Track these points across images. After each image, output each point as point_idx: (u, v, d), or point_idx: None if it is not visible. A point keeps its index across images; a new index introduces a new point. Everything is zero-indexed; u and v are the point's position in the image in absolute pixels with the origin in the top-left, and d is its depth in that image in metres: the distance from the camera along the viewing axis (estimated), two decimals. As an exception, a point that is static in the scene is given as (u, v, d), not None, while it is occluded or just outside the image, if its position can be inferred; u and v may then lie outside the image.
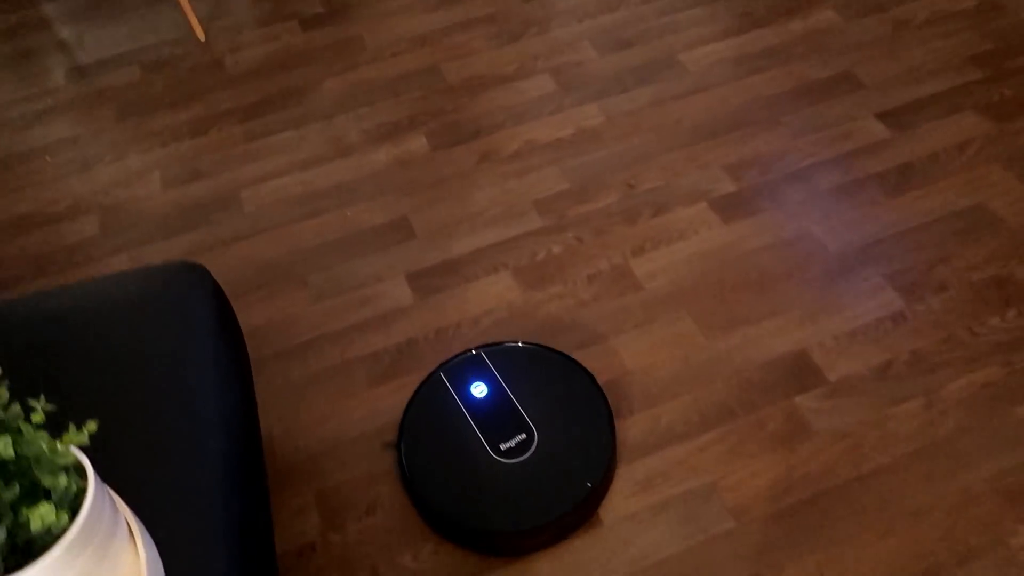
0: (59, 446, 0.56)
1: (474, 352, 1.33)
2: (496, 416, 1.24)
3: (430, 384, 1.30)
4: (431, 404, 1.28)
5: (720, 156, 1.67)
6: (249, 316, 1.50)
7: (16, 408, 0.56)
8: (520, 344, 1.34)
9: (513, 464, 1.18)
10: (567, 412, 1.24)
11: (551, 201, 1.63)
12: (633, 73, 1.88)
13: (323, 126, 1.86)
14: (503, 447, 1.20)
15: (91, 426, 0.58)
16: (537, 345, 1.35)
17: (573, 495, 1.15)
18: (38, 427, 0.56)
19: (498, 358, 1.32)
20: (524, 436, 1.21)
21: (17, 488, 0.52)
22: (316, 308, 1.50)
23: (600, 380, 1.29)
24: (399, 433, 1.26)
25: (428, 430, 1.25)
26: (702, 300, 1.44)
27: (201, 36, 2.12)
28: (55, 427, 0.59)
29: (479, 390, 1.28)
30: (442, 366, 1.33)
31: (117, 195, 1.76)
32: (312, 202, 1.69)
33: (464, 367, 1.31)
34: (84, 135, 1.91)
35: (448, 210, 1.64)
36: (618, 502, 1.19)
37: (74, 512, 0.54)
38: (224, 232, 1.66)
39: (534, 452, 1.19)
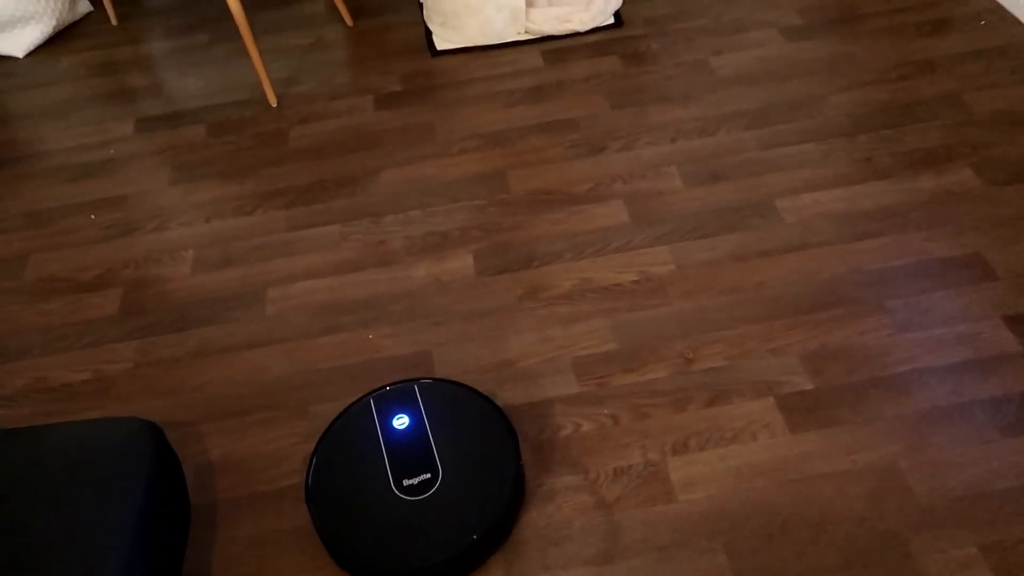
0: None
1: (409, 384, 1.35)
2: (409, 451, 1.26)
3: (358, 407, 1.33)
4: (354, 428, 1.31)
5: (801, 340, 1.41)
6: (239, 444, 1.37)
7: None
8: (457, 383, 1.35)
9: (411, 501, 1.20)
10: (477, 460, 1.24)
11: (593, 363, 1.42)
12: (718, 215, 1.64)
13: (369, 225, 1.71)
14: (406, 483, 1.22)
15: None
16: (471, 389, 1.34)
17: (456, 544, 1.15)
18: None
19: (430, 394, 1.33)
20: (429, 475, 1.22)
21: None
22: (306, 449, 1.35)
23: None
24: (314, 448, 1.28)
25: (343, 454, 1.28)
26: (744, 533, 1.19)
27: (273, 101, 2.04)
28: None
29: (401, 422, 1.29)
30: (373, 393, 1.34)
31: (147, 271, 1.68)
32: (336, 315, 1.55)
33: (394, 397, 1.33)
34: (134, 196, 1.85)
35: (475, 352, 1.46)
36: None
37: None
38: (239, 335, 1.54)
39: (434, 493, 1.21)
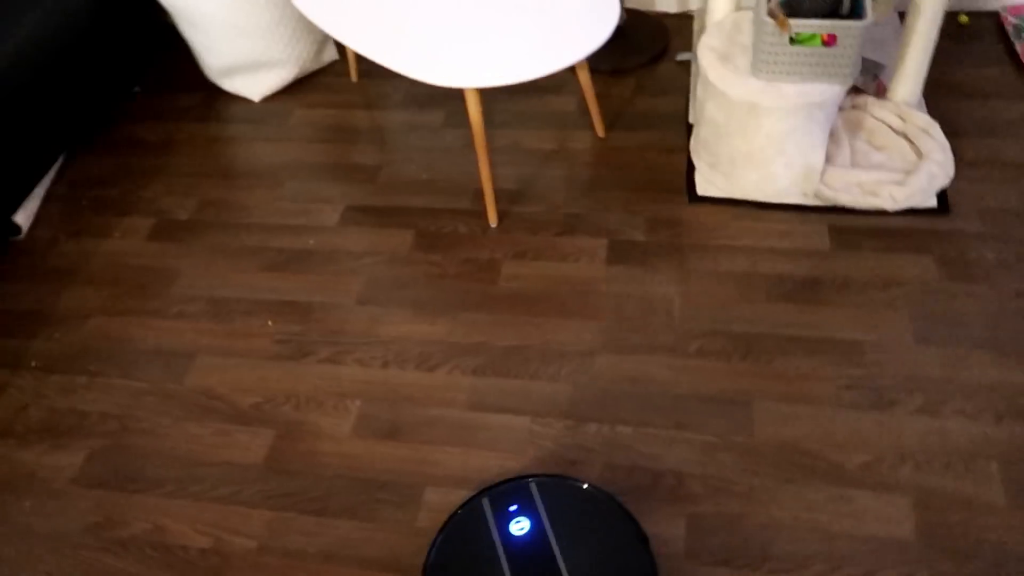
0: None
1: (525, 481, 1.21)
2: (530, 562, 1.10)
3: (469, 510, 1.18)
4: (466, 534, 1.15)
5: None
6: None
7: None
8: (584, 485, 1.19)
9: None
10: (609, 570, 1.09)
11: None
12: (1057, 571, 1.13)
13: (566, 430, 1.37)
14: None
15: None
16: (595, 487, 1.18)
17: None
18: None
19: (548, 493, 1.18)
20: None
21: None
22: None
23: None
24: (425, 561, 1.13)
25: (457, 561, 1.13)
26: None
27: (493, 221, 1.75)
28: None
29: (520, 527, 1.14)
30: (486, 491, 1.19)
31: (306, 415, 1.45)
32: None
33: (508, 497, 1.18)
34: (319, 307, 1.64)
35: None
36: None
37: None
38: (378, 546, 1.26)
39: None
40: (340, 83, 2.21)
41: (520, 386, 1.45)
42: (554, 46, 1.52)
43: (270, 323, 1.62)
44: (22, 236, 1.89)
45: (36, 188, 1.95)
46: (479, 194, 1.83)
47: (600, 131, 1.93)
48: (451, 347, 1.53)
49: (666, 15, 2.24)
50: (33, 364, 1.61)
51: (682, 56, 2.09)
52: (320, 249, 1.76)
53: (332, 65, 2.27)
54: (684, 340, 1.49)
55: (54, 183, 2.02)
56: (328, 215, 1.84)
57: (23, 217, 1.89)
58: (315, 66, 2.24)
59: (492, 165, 1.89)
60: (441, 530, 1.15)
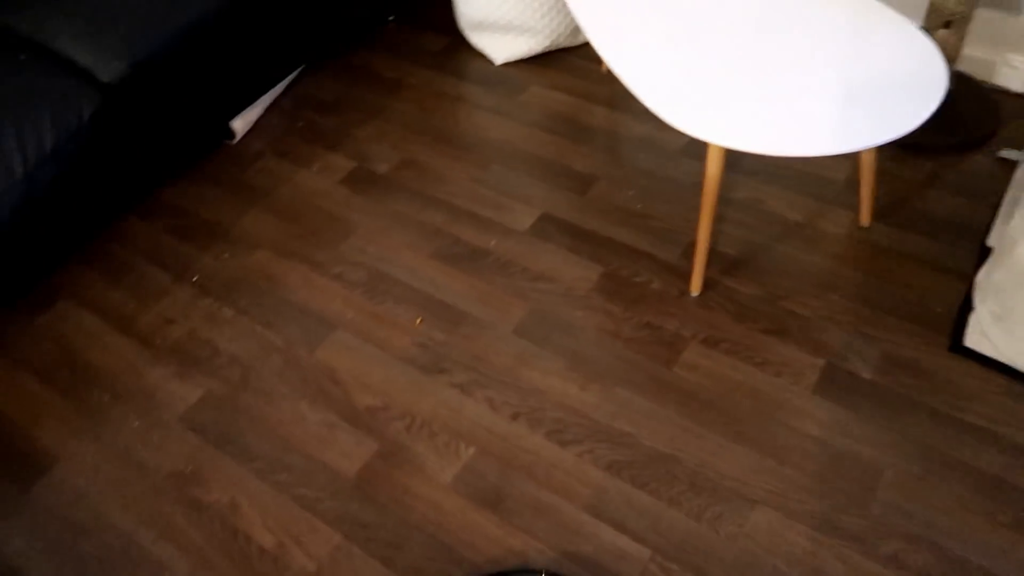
0: None
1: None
2: None
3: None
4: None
5: None
6: None
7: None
8: None
9: None
10: None
11: None
12: None
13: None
14: None
15: None
16: None
17: None
18: None
19: None
20: None
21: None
22: None
23: None
24: None
25: None
26: None
27: (695, 288, 1.47)
28: None
29: None
30: None
31: (415, 440, 1.30)
32: None
33: None
34: (477, 322, 1.47)
35: None
36: None
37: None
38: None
39: None
40: (587, 69, 1.98)
41: (652, 508, 1.20)
42: (850, 121, 1.18)
43: (419, 321, 1.48)
44: (234, 142, 1.89)
45: (264, 96, 1.93)
46: (691, 249, 1.55)
47: (865, 218, 1.56)
48: (593, 425, 1.30)
49: (1005, 93, 1.77)
50: (195, 279, 1.60)
51: (1008, 153, 1.64)
52: (498, 254, 1.58)
53: (584, 47, 2.04)
54: (877, 535, 1.15)
55: (279, 96, 2.00)
56: (521, 217, 1.65)
57: (241, 124, 1.88)
58: (568, 43, 2.02)
59: (717, 220, 1.59)
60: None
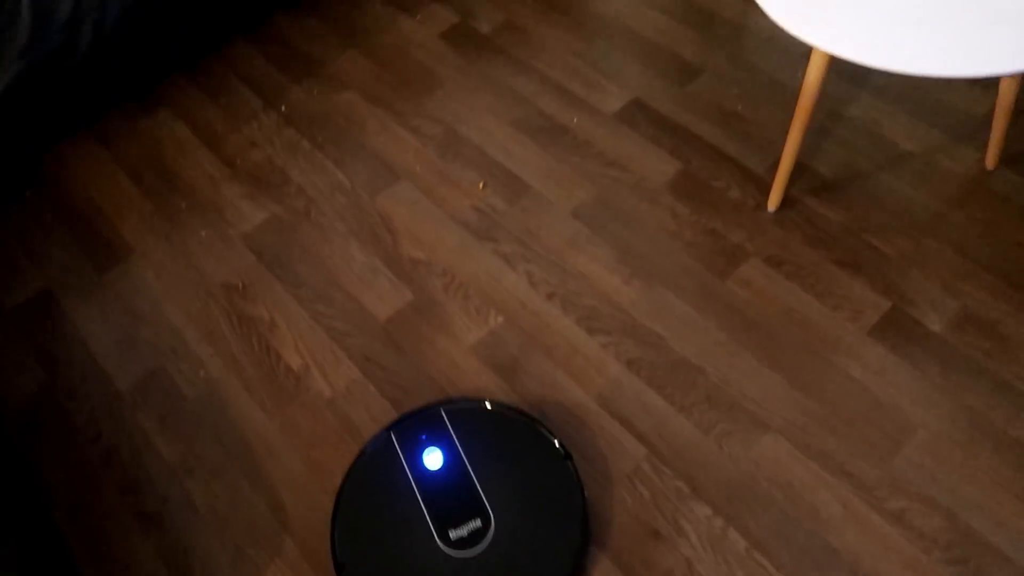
0: None
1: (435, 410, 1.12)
2: (450, 495, 1.04)
3: (377, 446, 1.11)
4: (376, 471, 1.09)
5: None
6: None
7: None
8: (488, 405, 1.13)
9: (463, 558, 0.99)
10: (534, 496, 1.04)
11: None
12: None
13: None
14: (453, 535, 1.01)
15: None
16: (510, 408, 1.13)
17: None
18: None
19: (460, 420, 1.11)
20: (479, 522, 1.02)
21: None
22: None
23: None
24: (334, 508, 1.06)
25: (369, 504, 1.06)
26: None
27: (773, 204, 1.36)
28: None
29: (433, 459, 1.07)
30: (392, 425, 1.12)
31: (449, 298, 1.32)
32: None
33: (417, 428, 1.11)
34: (537, 196, 1.44)
35: None
36: None
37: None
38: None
39: (490, 543, 1.00)
40: None
41: (662, 411, 1.18)
42: (992, 41, 1.02)
43: (482, 185, 1.46)
44: (348, -22, 1.88)
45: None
46: (779, 162, 1.43)
47: (991, 161, 1.38)
48: (626, 319, 1.27)
49: None
50: (283, 108, 1.64)
51: None
52: (577, 133, 1.52)
53: None
54: (889, 490, 1.08)
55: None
56: (610, 99, 1.57)
57: (357, -40, 1.86)
58: None
59: (820, 135, 1.45)
60: (344, 480, 1.09)
